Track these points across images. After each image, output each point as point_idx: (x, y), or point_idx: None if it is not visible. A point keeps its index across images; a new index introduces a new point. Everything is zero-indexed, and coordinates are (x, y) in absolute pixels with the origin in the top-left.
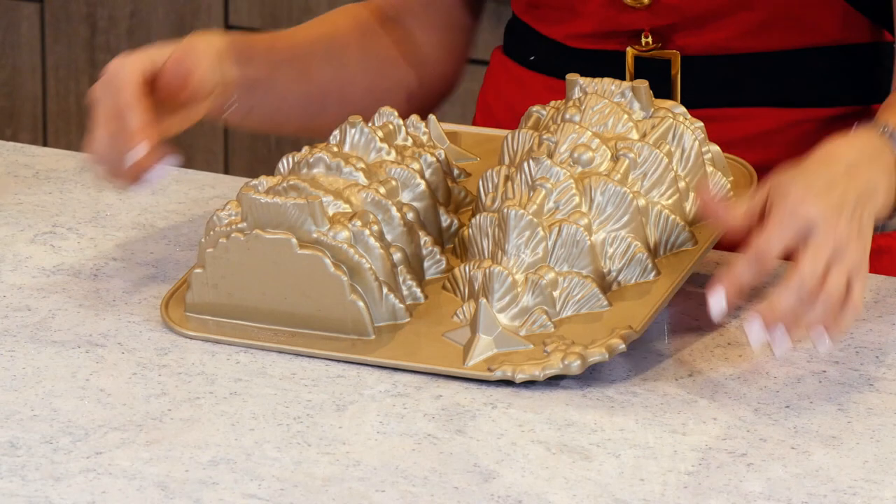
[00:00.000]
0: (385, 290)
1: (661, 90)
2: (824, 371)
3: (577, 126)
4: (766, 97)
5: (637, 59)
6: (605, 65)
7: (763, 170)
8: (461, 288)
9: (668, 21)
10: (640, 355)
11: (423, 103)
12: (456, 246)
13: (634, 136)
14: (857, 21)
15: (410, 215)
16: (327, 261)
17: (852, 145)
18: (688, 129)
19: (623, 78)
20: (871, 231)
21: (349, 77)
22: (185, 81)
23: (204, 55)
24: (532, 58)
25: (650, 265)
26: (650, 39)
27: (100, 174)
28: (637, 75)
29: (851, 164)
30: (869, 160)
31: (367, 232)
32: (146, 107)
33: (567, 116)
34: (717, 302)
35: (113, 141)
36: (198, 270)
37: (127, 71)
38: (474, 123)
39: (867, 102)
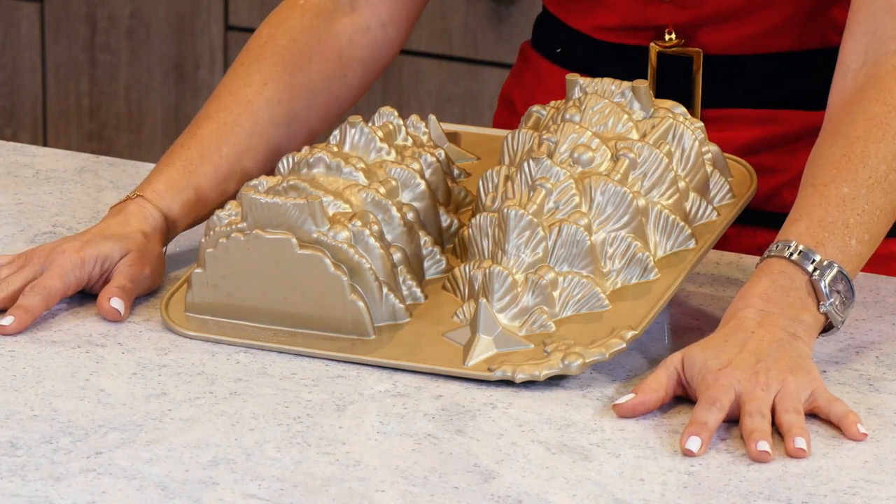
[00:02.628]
0: (385, 290)
1: (684, 88)
2: (824, 371)
3: (577, 126)
4: (789, 99)
5: (660, 55)
6: (629, 60)
7: (781, 171)
8: (461, 288)
9: (691, 16)
10: (640, 355)
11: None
12: (456, 246)
13: (634, 136)
14: None
15: (410, 215)
16: (327, 261)
17: (758, 299)
18: (688, 129)
19: (645, 74)
20: (803, 360)
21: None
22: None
23: (156, 260)
24: (559, 50)
25: (650, 265)
26: (673, 36)
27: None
28: (660, 73)
29: (760, 321)
30: (779, 306)
31: (367, 232)
32: (54, 294)
33: (567, 116)
34: (692, 443)
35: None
36: (198, 270)
37: (67, 269)
38: (495, 118)
39: None
